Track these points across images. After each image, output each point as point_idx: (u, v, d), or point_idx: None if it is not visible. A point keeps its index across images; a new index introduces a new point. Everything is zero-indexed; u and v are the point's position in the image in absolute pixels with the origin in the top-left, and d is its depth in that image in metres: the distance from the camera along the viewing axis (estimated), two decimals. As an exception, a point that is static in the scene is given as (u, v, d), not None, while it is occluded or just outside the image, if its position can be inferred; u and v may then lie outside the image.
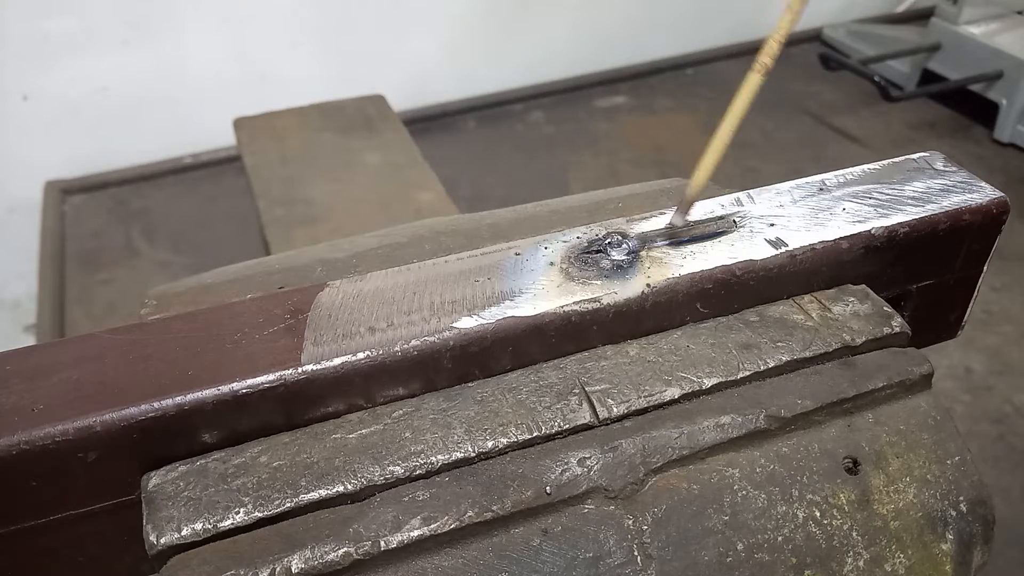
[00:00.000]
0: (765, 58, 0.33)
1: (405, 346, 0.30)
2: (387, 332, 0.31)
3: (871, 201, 0.36)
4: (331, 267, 0.39)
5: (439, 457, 0.29)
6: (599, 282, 0.33)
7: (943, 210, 0.36)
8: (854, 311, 0.34)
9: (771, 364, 0.32)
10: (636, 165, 1.41)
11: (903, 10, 1.84)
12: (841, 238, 0.35)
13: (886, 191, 0.37)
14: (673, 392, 0.31)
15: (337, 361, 0.30)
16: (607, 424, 0.30)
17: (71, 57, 1.31)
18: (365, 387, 0.30)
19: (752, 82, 0.33)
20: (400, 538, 0.26)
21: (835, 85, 1.60)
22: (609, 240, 0.35)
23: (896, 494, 0.30)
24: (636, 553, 0.27)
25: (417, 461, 0.29)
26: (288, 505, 0.27)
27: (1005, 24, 1.50)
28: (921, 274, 0.38)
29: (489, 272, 0.34)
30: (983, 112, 1.44)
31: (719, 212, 0.36)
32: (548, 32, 1.59)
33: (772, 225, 0.35)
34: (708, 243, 0.35)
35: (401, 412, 0.30)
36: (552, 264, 0.34)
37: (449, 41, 1.54)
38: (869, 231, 0.35)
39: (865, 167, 0.39)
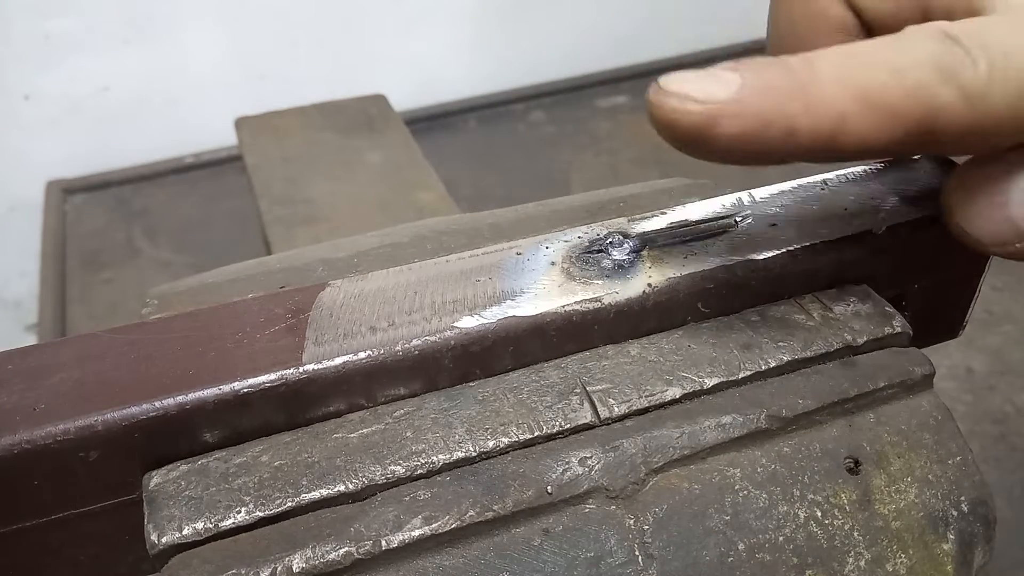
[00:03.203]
0: None
1: (406, 345, 0.30)
2: (388, 332, 0.31)
3: (873, 200, 0.36)
4: (332, 266, 0.39)
5: (440, 456, 0.29)
6: (600, 282, 0.33)
7: (945, 210, 0.36)
8: (855, 311, 0.34)
9: (772, 364, 0.32)
10: (638, 165, 1.41)
11: (904, 10, 1.84)
12: (843, 238, 0.35)
13: (888, 190, 0.37)
14: (674, 392, 0.31)
15: (339, 360, 0.30)
16: (608, 424, 0.30)
17: (72, 57, 1.31)
18: (366, 386, 0.30)
19: None
20: (401, 537, 0.26)
21: (836, 85, 1.60)
22: (610, 240, 0.35)
23: (897, 494, 0.30)
24: (637, 553, 0.27)
25: (418, 460, 0.29)
26: (289, 504, 0.27)
27: (1006, 24, 1.50)
28: (922, 274, 0.38)
29: (490, 272, 0.34)
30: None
31: (720, 211, 0.36)
32: (548, 32, 1.59)
33: (774, 225, 0.35)
34: (709, 242, 0.35)
35: (402, 411, 0.30)
36: (553, 264, 0.34)
37: (450, 41, 1.54)
38: (871, 231, 0.35)
39: (867, 167, 0.39)
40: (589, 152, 1.45)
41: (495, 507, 0.27)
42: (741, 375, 0.32)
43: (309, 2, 1.40)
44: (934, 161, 0.39)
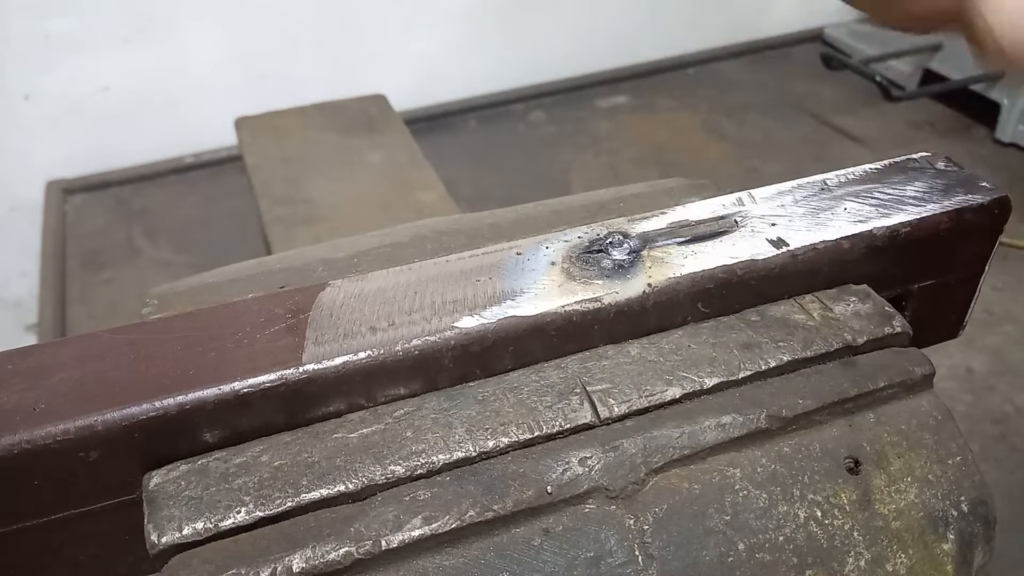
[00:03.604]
0: None
1: (406, 345, 0.30)
2: (388, 332, 0.31)
3: (872, 201, 0.36)
4: (332, 266, 0.39)
5: (440, 456, 0.29)
6: (600, 282, 0.33)
7: (944, 210, 0.36)
8: (855, 311, 0.34)
9: (772, 364, 0.32)
10: (637, 165, 1.41)
11: (904, 10, 1.83)
12: (843, 238, 0.35)
13: (887, 191, 0.37)
14: (674, 392, 0.31)
15: (339, 360, 0.30)
16: (608, 424, 0.30)
17: (72, 57, 1.31)
18: (366, 386, 0.30)
19: None
20: (401, 537, 0.26)
21: (836, 85, 1.60)
22: (610, 240, 0.35)
23: (897, 494, 0.30)
24: (637, 553, 0.27)
25: (418, 460, 0.29)
26: (289, 504, 0.27)
27: (1007, 24, 1.49)
28: (922, 274, 0.38)
29: (490, 272, 0.34)
30: (984, 112, 1.44)
31: (720, 212, 0.36)
32: (548, 32, 1.59)
33: (773, 225, 0.35)
34: (709, 243, 0.35)
35: (402, 411, 0.30)
36: (553, 264, 0.34)
37: (450, 41, 1.54)
38: (871, 231, 0.35)
39: (866, 167, 0.39)
40: (589, 152, 1.45)
41: (495, 507, 0.27)
42: (741, 375, 0.32)
43: (309, 2, 1.40)
44: (937, 162, 0.39)
